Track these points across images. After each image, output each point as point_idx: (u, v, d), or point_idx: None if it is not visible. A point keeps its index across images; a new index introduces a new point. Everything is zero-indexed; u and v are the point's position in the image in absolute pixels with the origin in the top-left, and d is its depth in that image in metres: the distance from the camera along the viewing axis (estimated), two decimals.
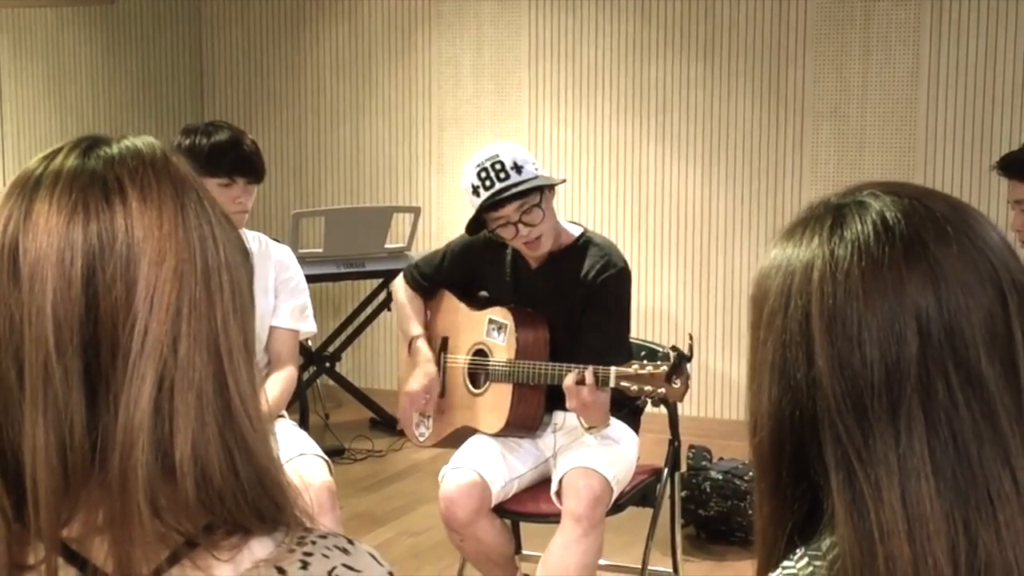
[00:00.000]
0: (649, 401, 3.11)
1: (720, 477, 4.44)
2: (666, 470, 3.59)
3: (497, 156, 3.31)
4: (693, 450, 4.62)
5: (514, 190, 3.27)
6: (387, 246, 5.76)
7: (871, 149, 5.57)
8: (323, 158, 6.65)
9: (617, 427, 3.44)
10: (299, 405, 3.79)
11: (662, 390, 3.04)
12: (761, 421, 1.16)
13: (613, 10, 5.96)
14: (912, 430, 1.06)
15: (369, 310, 6.07)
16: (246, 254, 1.09)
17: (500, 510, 3.39)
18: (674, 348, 3.03)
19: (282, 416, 3.59)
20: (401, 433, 5.79)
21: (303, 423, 3.77)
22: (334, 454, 5.63)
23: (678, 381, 3.03)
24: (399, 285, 3.73)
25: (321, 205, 6.54)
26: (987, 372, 1.07)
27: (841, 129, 5.61)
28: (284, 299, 3.60)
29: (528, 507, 3.39)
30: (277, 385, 3.53)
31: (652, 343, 3.75)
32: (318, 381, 6.10)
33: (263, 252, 3.61)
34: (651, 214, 5.98)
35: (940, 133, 5.45)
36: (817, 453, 1.10)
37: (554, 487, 3.29)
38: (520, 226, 3.30)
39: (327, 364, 5.98)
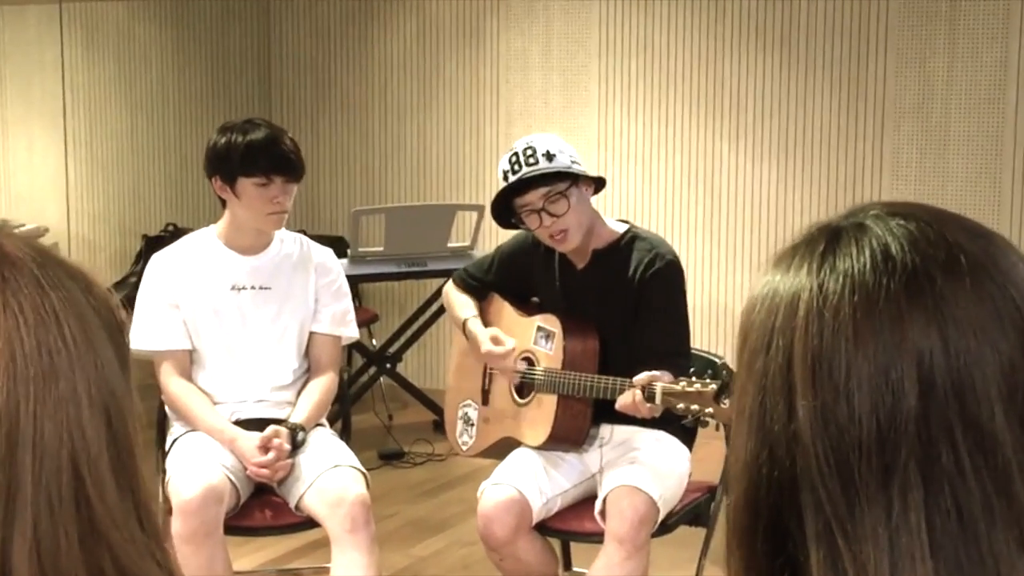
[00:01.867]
0: (696, 421, 2.91)
1: None
2: (721, 487, 3.40)
3: (531, 144, 3.16)
4: None
5: (536, 174, 3.10)
6: (450, 245, 5.62)
7: (955, 149, 5.30)
8: (389, 154, 6.54)
9: (668, 442, 3.26)
10: (341, 413, 3.65)
11: (710, 410, 2.85)
12: (736, 479, 0.99)
13: (686, 2, 5.76)
14: (908, 500, 0.88)
15: (432, 310, 5.93)
16: (117, 328, 0.93)
17: (542, 528, 3.22)
18: (726, 366, 2.83)
19: (321, 425, 3.47)
20: None
21: (344, 432, 3.63)
22: (394, 457, 5.54)
23: (727, 401, 2.83)
24: (448, 288, 3.59)
25: (387, 202, 6.42)
26: (1002, 434, 0.88)
27: (924, 127, 5.35)
28: (325, 304, 3.48)
29: (571, 525, 3.23)
30: (316, 392, 3.42)
31: (710, 353, 3.55)
32: (380, 381, 5.98)
33: (304, 255, 3.49)
34: (724, 215, 5.77)
35: (1021, 130, 5.17)
36: (796, 523, 0.92)
37: (598, 506, 3.12)
38: (544, 215, 3.12)
39: (388, 365, 5.85)
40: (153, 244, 6.17)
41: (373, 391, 5.97)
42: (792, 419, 0.92)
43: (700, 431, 3.37)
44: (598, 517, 3.12)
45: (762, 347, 0.96)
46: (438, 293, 5.90)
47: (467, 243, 5.66)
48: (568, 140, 6.01)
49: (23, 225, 6.38)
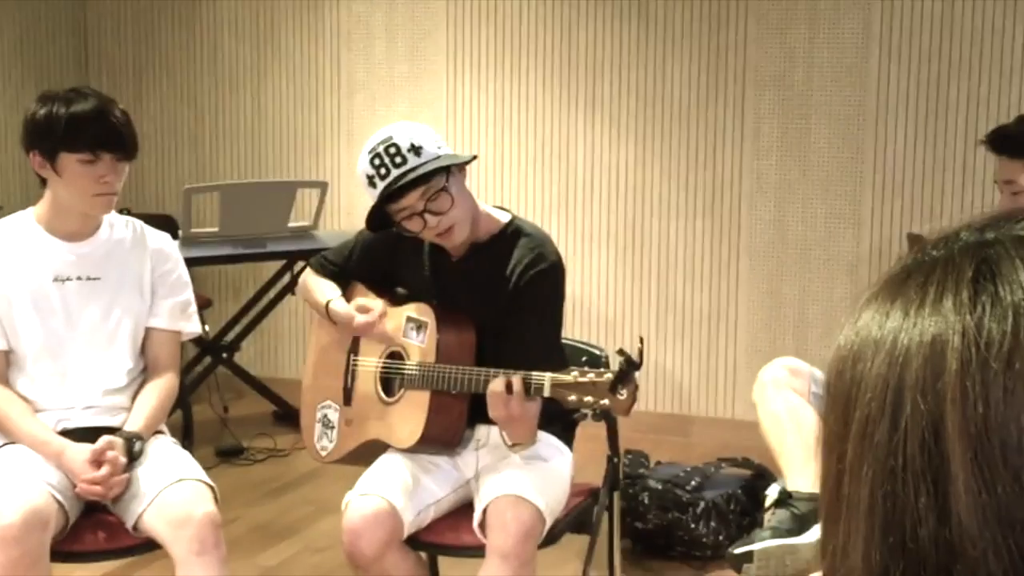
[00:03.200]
0: (589, 414, 2.65)
1: (659, 487, 4.00)
2: (604, 490, 3.14)
3: (391, 139, 2.84)
4: (629, 455, 4.18)
5: (412, 175, 2.80)
6: (291, 224, 5.23)
7: (818, 119, 5.15)
8: (221, 126, 6.09)
9: (548, 443, 2.99)
10: (182, 418, 3.27)
11: (605, 401, 2.59)
12: None
13: None
14: None
15: (272, 294, 5.54)
16: None
17: (414, 542, 2.91)
18: (621, 352, 2.57)
19: (161, 432, 3.08)
20: None
21: (186, 437, 3.25)
22: (232, 454, 5.15)
23: (624, 392, 2.57)
24: (306, 275, 3.24)
25: (221, 179, 5.98)
26: None
27: (785, 97, 5.18)
28: (163, 296, 3.10)
29: (447, 538, 2.92)
30: (154, 395, 3.04)
31: (584, 343, 3.29)
32: (215, 372, 5.57)
33: (138, 240, 3.10)
34: (579, 191, 5.52)
35: (892, 102, 5.04)
36: None
37: (477, 517, 2.82)
38: (427, 216, 2.83)
39: (224, 354, 5.44)
40: None
41: (208, 382, 5.55)
42: (946, 519, 0.63)
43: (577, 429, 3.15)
44: (477, 530, 2.82)
45: (885, 414, 0.67)
46: (278, 276, 5.52)
47: (309, 222, 5.28)
48: (414, 113, 5.71)
49: None
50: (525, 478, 2.83)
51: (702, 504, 3.95)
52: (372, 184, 2.85)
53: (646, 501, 3.98)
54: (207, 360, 5.48)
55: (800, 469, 2.81)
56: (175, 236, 4.94)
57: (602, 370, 2.61)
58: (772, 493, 2.84)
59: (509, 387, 2.67)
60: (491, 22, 5.56)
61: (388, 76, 5.75)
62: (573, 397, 2.61)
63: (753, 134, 5.23)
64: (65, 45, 6.28)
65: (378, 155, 2.83)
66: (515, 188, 5.59)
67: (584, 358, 3.03)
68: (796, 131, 5.17)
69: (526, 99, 5.54)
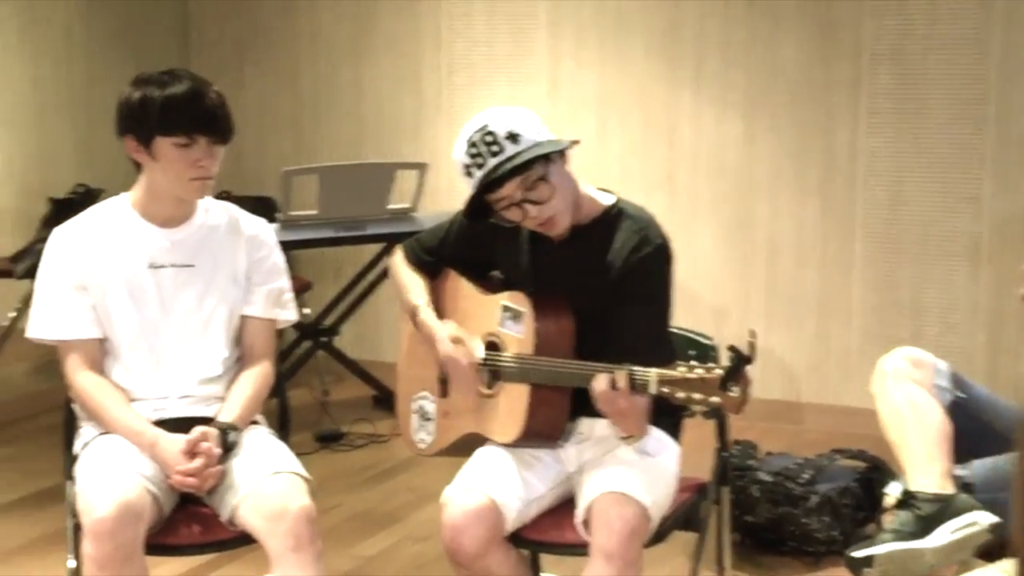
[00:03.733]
0: (698, 412, 2.51)
1: (770, 479, 3.85)
2: (713, 485, 3.00)
3: (487, 126, 2.72)
4: (738, 445, 4.03)
5: (509, 165, 2.68)
6: (390, 207, 5.15)
7: (936, 94, 4.92)
8: (321, 108, 6.03)
9: (655, 438, 2.85)
10: (278, 406, 3.19)
11: (716, 399, 2.45)
12: None
13: None
14: None
15: (371, 277, 5.48)
16: None
17: (516, 538, 2.80)
18: (732, 348, 2.43)
19: (256, 423, 3.01)
20: None
21: (282, 427, 3.18)
22: (332, 440, 5.10)
23: (735, 389, 2.43)
24: (398, 261, 3.14)
25: (320, 161, 5.93)
26: None
27: (904, 72, 4.96)
28: (258, 283, 3.01)
29: (551, 535, 2.80)
30: (249, 385, 2.96)
31: (692, 332, 3.14)
32: (315, 356, 5.52)
33: (233, 226, 3.02)
34: (684, 170, 5.36)
35: (1015, 74, 4.80)
36: None
37: (580, 514, 2.70)
38: (527, 206, 2.71)
39: (324, 338, 5.39)
40: (62, 208, 5.64)
41: (307, 366, 5.51)
42: None
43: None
44: (580, 527, 2.70)
45: None
46: (377, 259, 5.46)
47: (408, 204, 5.20)
48: (514, 91, 5.59)
49: None
50: (630, 474, 2.71)
51: (815, 498, 3.80)
52: (469, 174, 2.74)
53: (756, 494, 3.83)
54: (306, 344, 5.44)
55: (923, 467, 2.65)
56: (274, 218, 4.92)
57: (711, 365, 2.47)
58: (893, 492, 2.67)
59: (614, 383, 2.54)
60: None
61: (489, 55, 5.64)
62: (681, 394, 2.48)
63: (867, 110, 5.03)
64: (167, 26, 6.27)
65: (474, 144, 2.72)
66: (617, 168, 5.44)
67: (692, 351, 2.88)
68: (913, 107, 4.96)
69: (629, 76, 5.39)
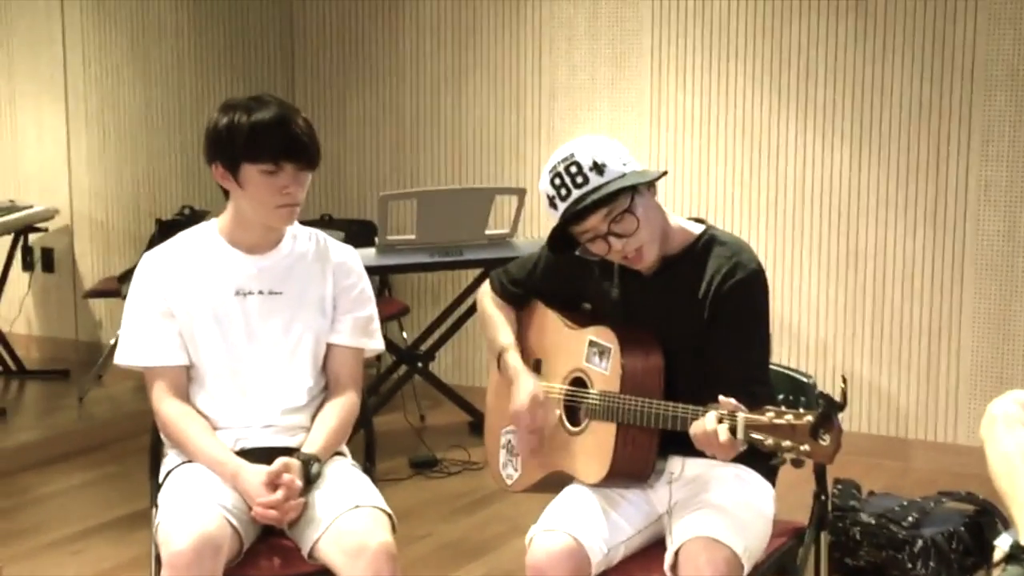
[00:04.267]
0: (788, 459, 2.39)
1: (873, 522, 3.70)
2: (810, 530, 2.88)
3: (572, 156, 2.64)
4: (839, 484, 3.89)
5: (594, 196, 2.59)
6: (488, 232, 5.10)
7: None
8: (421, 132, 6.01)
9: (749, 479, 2.75)
10: (364, 439, 3.14)
11: (806, 447, 2.33)
12: None
13: None
14: None
15: (468, 303, 5.42)
16: None
17: None
18: (823, 395, 2.32)
19: (341, 454, 2.96)
20: None
21: (368, 458, 3.13)
22: (426, 466, 5.05)
23: (827, 437, 2.31)
24: (485, 293, 3.08)
25: (419, 185, 5.91)
26: None
27: (1019, 97, 4.77)
28: (345, 311, 2.97)
29: None
30: (334, 416, 2.91)
31: (790, 369, 3.02)
32: (411, 381, 5.49)
33: (320, 254, 2.98)
34: (791, 201, 5.22)
35: None
36: None
37: (669, 559, 2.60)
38: (612, 239, 2.63)
39: (420, 363, 5.35)
40: (168, 229, 5.70)
41: (403, 391, 5.47)
42: None
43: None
44: (668, 572, 2.60)
45: None
46: (475, 284, 5.40)
47: (507, 230, 5.15)
48: (616, 117, 5.51)
49: (31, 207, 5.94)
50: (722, 518, 2.60)
51: (920, 543, 3.64)
52: (553, 205, 2.66)
53: (858, 536, 3.69)
54: (403, 369, 5.40)
55: None
56: (372, 243, 4.90)
57: (801, 411, 2.35)
58: (1003, 544, 2.53)
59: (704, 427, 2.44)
60: (698, 21, 5.31)
61: (590, 79, 5.57)
62: (770, 441, 2.36)
63: (981, 138, 4.84)
64: (273, 49, 6.32)
65: (558, 175, 2.64)
66: (721, 196, 5.33)
67: (787, 392, 2.76)
68: None
69: (734, 102, 5.28)
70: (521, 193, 5.13)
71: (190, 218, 5.76)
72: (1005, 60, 4.78)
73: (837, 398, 2.28)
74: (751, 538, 2.63)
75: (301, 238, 2.98)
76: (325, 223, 5.63)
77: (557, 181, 2.63)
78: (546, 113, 5.68)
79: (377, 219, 4.98)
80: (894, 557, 3.65)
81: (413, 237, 4.97)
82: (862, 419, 5.11)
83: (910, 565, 3.64)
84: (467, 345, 5.87)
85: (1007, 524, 3.82)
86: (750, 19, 5.21)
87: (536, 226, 5.63)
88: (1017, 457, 2.63)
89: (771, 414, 2.37)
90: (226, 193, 2.89)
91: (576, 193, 2.61)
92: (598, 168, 2.61)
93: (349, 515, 2.70)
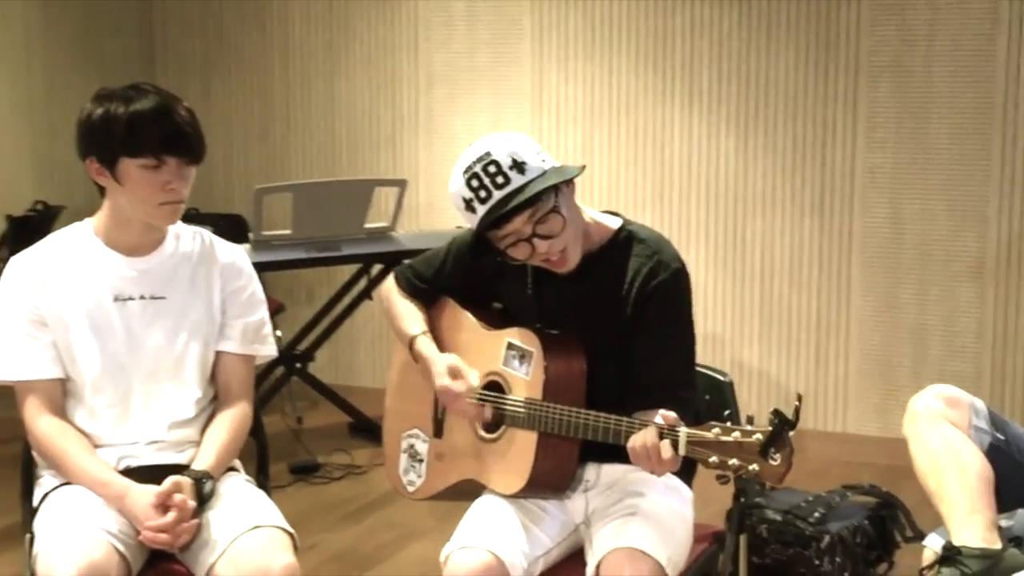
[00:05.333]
0: (731, 477, 2.27)
1: (779, 518, 3.63)
2: (731, 535, 2.77)
3: (489, 155, 2.46)
4: (742, 480, 3.80)
5: (519, 198, 2.43)
6: (367, 226, 4.90)
7: (939, 109, 4.73)
8: (293, 122, 5.78)
9: (668, 484, 2.62)
10: (256, 451, 2.93)
11: (754, 467, 2.21)
12: None
13: None
14: None
15: (346, 301, 5.22)
16: None
17: None
18: (776, 412, 2.20)
19: (234, 469, 2.75)
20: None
21: (261, 471, 2.92)
22: (307, 471, 4.85)
23: (778, 456, 2.20)
24: (389, 289, 2.89)
25: (291, 177, 5.68)
26: None
27: (903, 86, 4.77)
28: (235, 316, 2.76)
29: None
30: (225, 428, 2.70)
31: (708, 368, 2.90)
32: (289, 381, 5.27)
33: (206, 254, 2.76)
34: (675, 187, 5.14)
35: (1022, 89, 4.61)
36: None
37: (590, 572, 2.46)
38: (536, 241, 2.48)
39: (298, 364, 5.13)
40: (20, 226, 5.39)
41: (279, 392, 5.25)
42: None
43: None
44: None
45: None
46: (353, 280, 5.21)
47: (387, 223, 4.95)
48: (497, 105, 5.35)
49: None
50: (644, 528, 2.47)
51: (827, 538, 3.57)
52: (471, 209, 2.48)
53: (764, 534, 3.60)
54: (279, 370, 5.18)
55: (965, 519, 2.42)
56: (245, 238, 4.66)
57: (751, 428, 2.23)
58: (933, 545, 2.45)
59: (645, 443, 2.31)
60: (580, 6, 5.19)
61: (469, 66, 5.41)
62: (714, 459, 2.24)
63: (867, 126, 4.82)
64: (130, 40, 6.00)
65: (475, 175, 2.46)
66: (605, 186, 5.22)
67: (705, 395, 2.64)
68: (914, 122, 4.76)
69: (618, 90, 5.17)
70: (402, 184, 4.94)
71: (44, 213, 5.46)
72: (889, 48, 4.76)
73: (790, 416, 2.17)
74: (674, 547, 2.51)
75: (185, 238, 2.77)
76: (191, 218, 5.35)
77: (475, 183, 2.46)
78: (424, 101, 5.50)
79: (251, 214, 4.74)
80: (801, 554, 3.57)
81: (289, 232, 4.75)
82: (753, 410, 5.05)
83: (817, 561, 3.57)
84: (346, 344, 5.67)
85: (908, 515, 3.80)
86: (633, 5, 5.11)
87: (416, 219, 5.46)
88: (944, 454, 2.54)
89: (717, 430, 2.24)
90: (101, 190, 2.66)
91: (498, 195, 2.44)
92: (518, 167, 2.45)
93: (248, 536, 2.50)
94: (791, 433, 2.19)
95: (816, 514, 3.63)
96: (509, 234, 2.48)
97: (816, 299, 4.97)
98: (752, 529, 3.62)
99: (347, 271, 5.21)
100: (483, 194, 2.45)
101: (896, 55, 4.75)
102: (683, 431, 2.27)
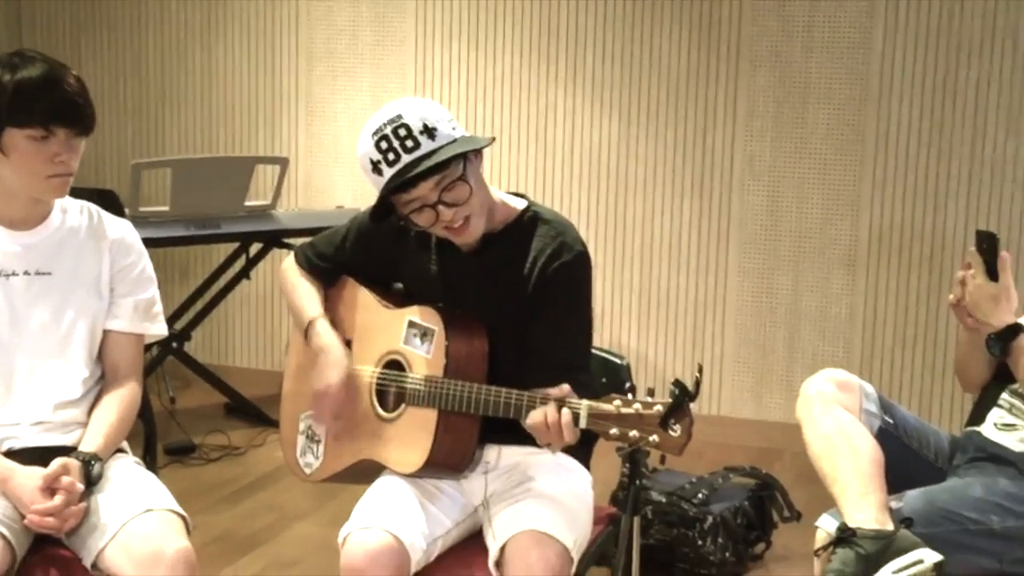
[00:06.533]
0: (629, 449, 2.29)
1: (663, 500, 3.67)
2: (626, 517, 2.78)
3: (400, 118, 2.45)
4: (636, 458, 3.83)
5: (428, 163, 2.42)
6: (247, 203, 4.81)
7: (816, 99, 4.82)
8: (167, 96, 5.64)
9: (567, 465, 2.64)
10: (143, 431, 2.86)
11: (654, 437, 2.24)
12: None
13: None
14: None
15: (223, 281, 5.12)
16: None
17: None
18: (677, 382, 2.22)
19: (122, 451, 2.68)
20: (263, 422, 4.97)
21: (148, 452, 2.85)
22: (183, 452, 4.75)
23: (678, 427, 2.22)
24: (288, 268, 2.84)
25: (166, 152, 5.54)
26: None
27: (783, 75, 4.85)
28: (124, 293, 2.68)
29: (454, 574, 2.54)
30: (113, 409, 2.62)
31: (604, 351, 2.92)
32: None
33: (95, 229, 2.68)
34: (558, 170, 5.15)
35: (896, 81, 4.73)
36: None
37: (493, 555, 2.46)
38: (441, 208, 2.46)
39: (174, 343, 5.01)
40: None
41: (156, 372, 5.12)
42: None
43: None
44: (493, 569, 2.46)
45: None
46: (231, 259, 5.11)
47: (267, 201, 4.87)
48: (379, 83, 5.30)
49: None
50: (548, 511, 2.47)
51: (710, 519, 3.63)
52: (378, 171, 2.46)
53: (649, 515, 3.65)
54: (154, 349, 5.05)
55: (858, 501, 2.47)
56: (119, 214, 4.52)
57: (651, 400, 2.25)
58: (826, 526, 2.50)
59: (546, 417, 2.31)
60: None
61: (352, 44, 5.34)
62: (615, 430, 2.25)
63: (747, 113, 4.90)
64: None
65: (385, 137, 2.44)
66: (488, 167, 5.19)
67: (601, 379, 2.66)
68: (792, 111, 4.85)
69: (502, 71, 5.16)
70: (283, 162, 4.86)
71: None
72: (769, 38, 4.84)
73: (691, 387, 2.19)
74: (578, 529, 2.52)
75: (72, 212, 2.68)
76: None
77: (384, 144, 2.43)
78: (304, 78, 5.42)
79: (127, 189, 4.61)
80: (685, 535, 3.63)
81: (167, 209, 4.63)
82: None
83: (700, 542, 3.62)
84: (221, 324, 5.57)
85: (786, 496, 3.88)
86: None
87: (295, 197, 5.38)
88: (837, 437, 2.59)
89: (618, 402, 2.26)
90: None
91: (407, 158, 2.42)
92: (429, 132, 2.43)
93: (139, 520, 2.43)
94: (691, 405, 2.21)
95: (700, 495, 3.69)
96: (415, 199, 2.46)
97: (695, 281, 5.04)
98: None
99: (224, 250, 5.11)
100: (391, 156, 2.43)
101: (775, 44, 4.83)
102: (584, 403, 2.28)
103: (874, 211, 4.81)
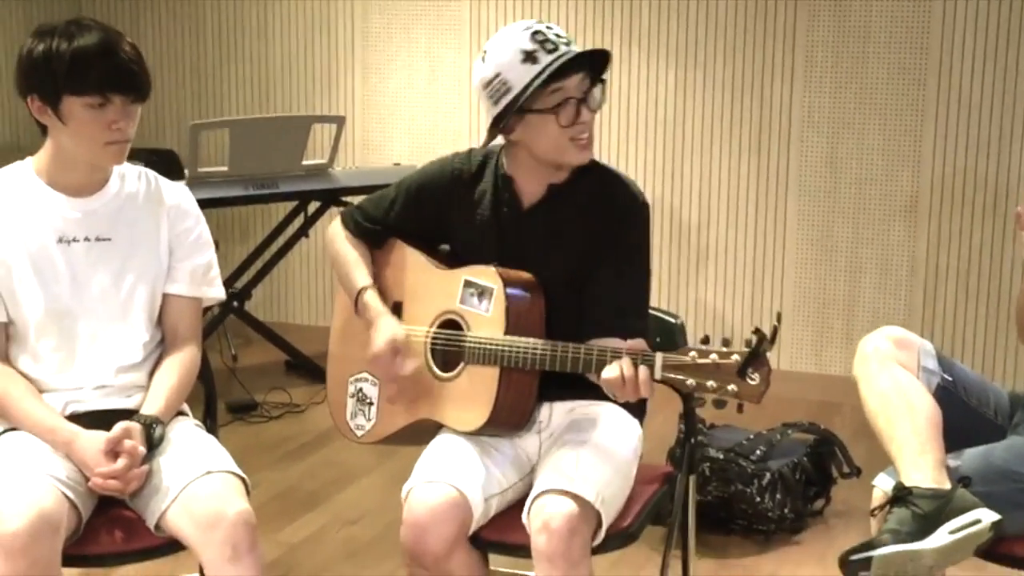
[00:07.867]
0: (708, 400, 2.28)
1: (721, 457, 3.67)
2: (682, 476, 2.79)
3: (545, 23, 2.55)
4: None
5: (590, 49, 2.51)
6: (305, 163, 4.84)
7: (876, 46, 4.75)
8: (226, 55, 5.66)
9: (615, 419, 2.62)
10: (203, 395, 2.89)
11: (733, 387, 2.22)
12: None
13: None
14: None
15: (283, 239, 5.16)
16: None
17: (473, 539, 2.54)
18: (757, 331, 2.21)
19: (183, 414, 2.72)
20: (323, 379, 5.00)
21: (209, 415, 2.89)
22: (244, 410, 4.81)
23: (756, 376, 2.21)
24: (335, 232, 2.85)
25: (224, 112, 5.57)
26: None
27: (842, 21, 4.78)
28: (182, 257, 2.71)
29: (504, 535, 2.53)
30: (174, 372, 2.66)
31: (658, 310, 2.90)
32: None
33: (152, 195, 2.71)
34: (614, 124, 5.12)
35: (960, 25, 4.64)
36: None
37: (526, 507, 2.45)
38: (583, 109, 2.50)
39: (235, 302, 5.07)
40: None
41: (218, 331, 5.19)
42: None
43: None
44: (525, 521, 2.45)
45: None
46: (290, 217, 5.14)
47: (324, 160, 4.89)
48: (434, 41, 5.29)
49: None
50: (577, 466, 2.44)
51: (768, 476, 3.63)
52: (532, 60, 2.46)
53: (707, 472, 3.64)
54: (215, 309, 5.11)
55: (915, 460, 2.45)
56: (179, 174, 4.58)
57: (727, 350, 2.24)
58: (883, 485, 2.48)
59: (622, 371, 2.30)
60: None
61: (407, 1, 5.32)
62: (691, 381, 2.25)
63: (804, 62, 4.84)
64: None
65: (539, 31, 2.49)
66: None
67: (656, 338, 2.66)
68: (852, 59, 4.78)
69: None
70: (340, 121, 4.87)
71: None
72: None
73: (768, 335, 2.18)
74: (609, 486, 2.46)
75: (130, 178, 2.71)
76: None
77: (539, 36, 2.49)
78: (359, 36, 5.41)
79: (186, 150, 4.65)
80: (743, 491, 3.62)
81: (226, 169, 4.67)
82: (690, 342, 5.09)
83: (758, 498, 3.62)
84: (281, 282, 5.62)
85: (845, 452, 3.86)
86: None
87: (352, 156, 5.39)
88: (894, 395, 2.57)
89: (693, 353, 2.26)
90: (43, 129, 2.59)
91: (564, 48, 2.48)
92: (569, 43, 2.52)
93: (200, 482, 2.47)
94: (768, 353, 2.20)
95: (758, 452, 3.68)
96: (564, 88, 2.48)
97: (753, 238, 5.00)
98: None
99: (283, 208, 5.14)
100: (550, 46, 2.48)
101: None
102: (659, 355, 2.27)
103: (936, 160, 4.74)
